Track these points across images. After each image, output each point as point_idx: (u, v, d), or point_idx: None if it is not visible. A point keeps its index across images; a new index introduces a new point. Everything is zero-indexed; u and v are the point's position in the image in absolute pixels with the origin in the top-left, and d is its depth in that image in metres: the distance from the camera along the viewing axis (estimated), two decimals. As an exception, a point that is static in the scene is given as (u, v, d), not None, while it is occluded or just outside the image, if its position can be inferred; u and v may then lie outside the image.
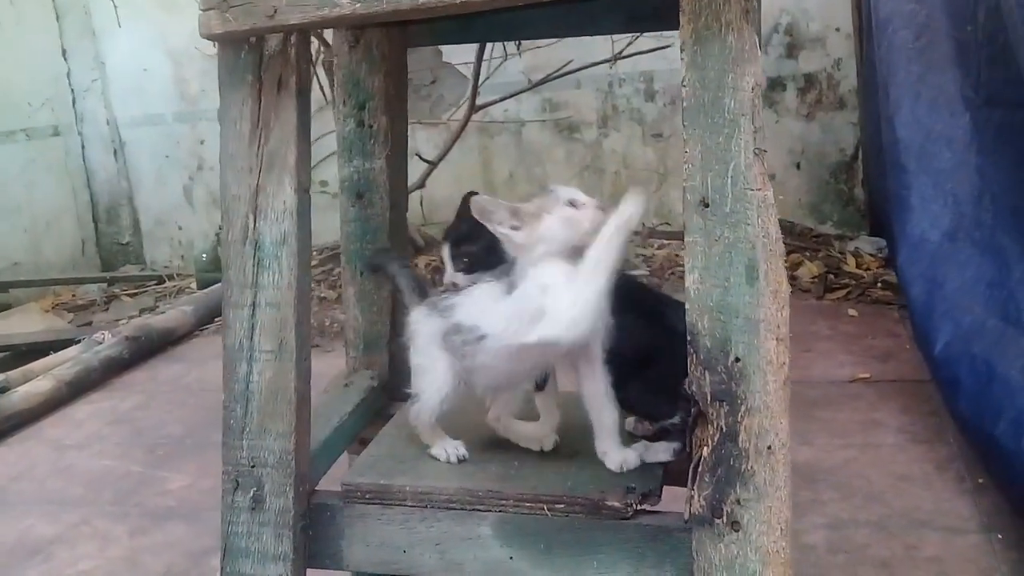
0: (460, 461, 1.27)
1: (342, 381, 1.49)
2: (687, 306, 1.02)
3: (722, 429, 1.01)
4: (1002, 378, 2.26)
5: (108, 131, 5.44)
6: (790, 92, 4.69)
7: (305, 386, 1.18)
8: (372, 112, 1.41)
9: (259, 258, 1.13)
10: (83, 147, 5.47)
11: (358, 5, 1.00)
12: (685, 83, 0.98)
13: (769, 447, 0.99)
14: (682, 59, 0.99)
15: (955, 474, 2.39)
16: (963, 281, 2.65)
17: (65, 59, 5.35)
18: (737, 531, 1.01)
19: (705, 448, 1.01)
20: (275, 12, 1.02)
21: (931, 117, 2.96)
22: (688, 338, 1.02)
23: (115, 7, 4.91)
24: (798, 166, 4.73)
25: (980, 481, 2.32)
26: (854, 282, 3.96)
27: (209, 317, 4.21)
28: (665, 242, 4.65)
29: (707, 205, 0.99)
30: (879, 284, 3.89)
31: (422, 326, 1.28)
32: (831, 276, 4.04)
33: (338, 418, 1.36)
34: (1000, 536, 2.09)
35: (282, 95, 1.09)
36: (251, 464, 1.17)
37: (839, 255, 4.26)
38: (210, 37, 1.06)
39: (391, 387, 1.51)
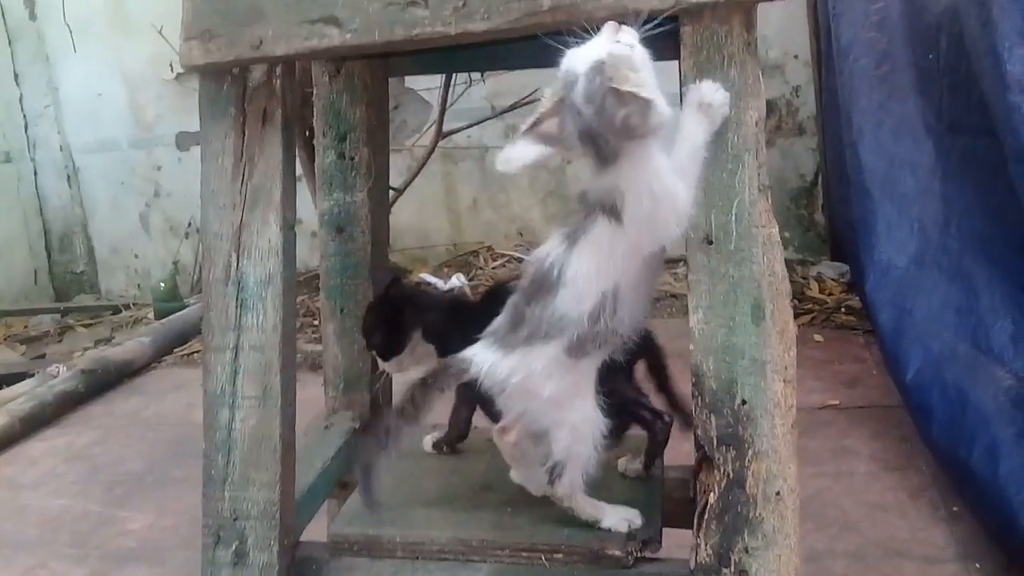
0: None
1: (322, 423, 1.43)
2: (691, 347, 0.99)
3: (729, 475, 0.97)
4: (975, 405, 2.27)
5: (61, 157, 5.31)
6: (751, 118, 4.72)
7: (290, 433, 1.13)
8: (353, 144, 1.37)
9: (242, 299, 1.08)
10: (35, 173, 5.33)
11: (348, 36, 0.96)
12: (688, 118, 0.96)
13: (778, 493, 0.96)
14: (683, 93, 0.96)
15: (929, 502, 2.38)
16: (931, 307, 2.67)
17: (17, 84, 5.22)
18: (745, 580, 0.98)
19: (711, 494, 0.98)
20: (261, 43, 0.98)
21: (894, 144, 2.99)
22: (692, 380, 0.99)
23: (70, 32, 4.81)
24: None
25: (955, 509, 2.32)
26: (818, 307, 3.99)
27: (168, 348, 4.11)
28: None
29: (711, 242, 0.96)
30: (842, 309, 3.92)
31: (532, 363, 1.09)
32: (795, 301, 4.04)
33: (321, 463, 1.30)
34: (978, 565, 2.09)
35: (267, 128, 1.05)
36: (233, 516, 1.11)
37: (802, 280, 4.29)
38: (191, 68, 1.02)
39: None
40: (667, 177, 0.98)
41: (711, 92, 0.97)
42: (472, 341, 1.14)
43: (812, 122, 4.63)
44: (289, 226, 1.08)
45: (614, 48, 0.95)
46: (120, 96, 5.18)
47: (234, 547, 1.11)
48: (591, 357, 1.09)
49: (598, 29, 0.97)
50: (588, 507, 1.17)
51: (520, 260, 4.79)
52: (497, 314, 1.15)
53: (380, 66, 1.39)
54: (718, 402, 0.98)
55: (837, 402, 3.02)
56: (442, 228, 4.98)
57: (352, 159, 1.38)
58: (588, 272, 1.05)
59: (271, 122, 1.05)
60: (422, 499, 1.25)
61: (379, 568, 1.14)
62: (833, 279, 4.24)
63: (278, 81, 1.05)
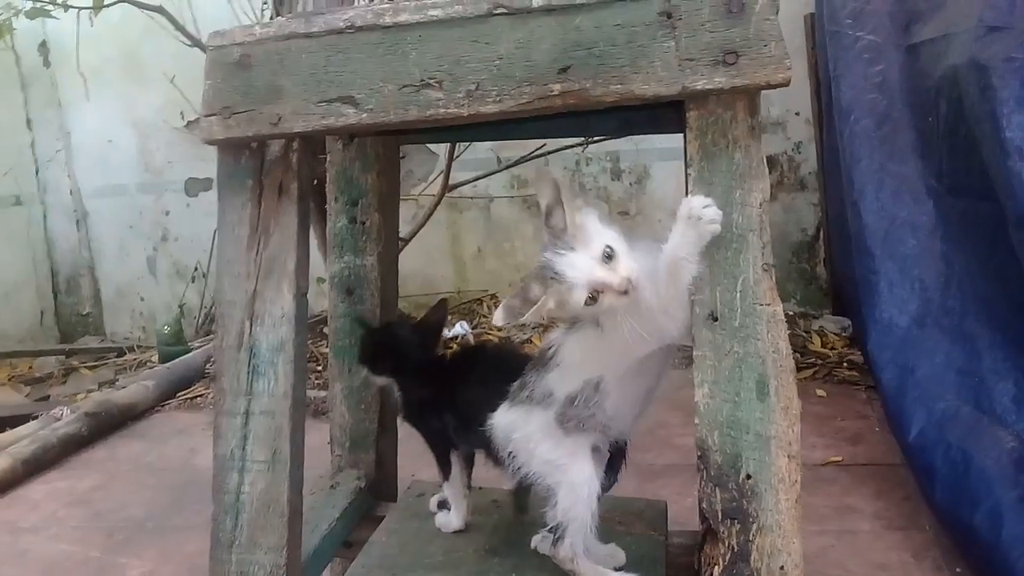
0: None
1: (328, 482, 1.44)
2: (696, 421, 1.00)
3: (733, 548, 0.99)
4: (978, 467, 2.26)
5: (71, 201, 5.36)
6: (753, 172, 4.76)
7: (298, 497, 1.14)
8: (365, 209, 1.40)
9: (254, 365, 1.10)
10: (45, 217, 5.38)
11: (364, 116, 0.99)
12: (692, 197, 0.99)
13: (782, 567, 0.97)
14: (688, 174, 0.99)
15: (933, 563, 2.37)
16: (933, 367, 2.67)
17: (30, 128, 5.30)
18: (749, 656, 0.99)
19: (716, 567, 0.99)
20: (279, 120, 1.02)
21: (895, 204, 3.02)
22: (698, 454, 1.00)
23: (84, 80, 4.90)
24: (762, 245, 4.80)
25: (958, 571, 2.31)
26: (820, 361, 3.99)
27: (171, 392, 4.11)
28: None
29: (716, 319, 0.98)
30: (845, 364, 3.92)
31: (529, 423, 1.20)
32: (797, 355, 4.05)
33: (327, 524, 1.31)
34: (981, 629, 2.07)
35: (283, 200, 1.08)
36: (239, 580, 1.12)
37: (804, 334, 4.30)
38: (211, 143, 1.05)
39: (378, 487, 1.47)
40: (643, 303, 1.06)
41: (700, 207, 1.01)
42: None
43: (813, 177, 4.67)
44: (302, 294, 1.11)
45: (604, 277, 1.05)
46: (131, 142, 5.25)
47: (241, 612, 1.12)
48: (583, 433, 1.17)
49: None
50: (591, 572, 1.19)
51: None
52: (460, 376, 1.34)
53: (391, 136, 1.43)
54: (723, 476, 0.99)
55: (840, 459, 3.01)
56: (447, 276, 5.01)
57: (363, 223, 1.42)
58: (574, 360, 1.17)
59: (287, 194, 1.08)
60: (429, 563, 1.26)
61: (383, 633, 1.15)
62: (835, 333, 4.25)
63: (295, 155, 1.08)
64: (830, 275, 4.68)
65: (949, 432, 2.45)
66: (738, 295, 0.98)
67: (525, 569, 1.22)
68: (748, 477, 0.98)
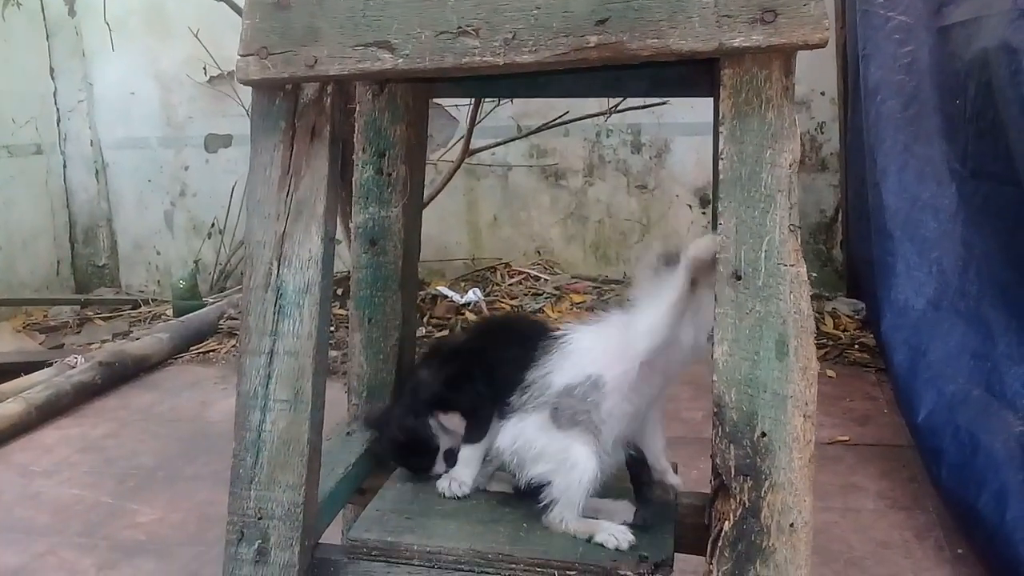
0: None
1: (344, 429, 1.46)
2: (714, 378, 1.01)
3: (744, 504, 1.00)
4: (986, 450, 2.28)
5: (91, 152, 5.39)
6: (773, 151, 4.75)
7: (318, 438, 1.16)
8: (392, 161, 1.41)
9: (280, 305, 1.11)
10: (65, 167, 5.41)
11: (400, 61, 1.00)
12: (723, 156, 0.99)
13: (792, 524, 0.99)
14: (721, 132, 0.99)
15: (935, 543, 2.39)
16: (947, 350, 2.68)
17: (52, 78, 5.31)
18: (755, 609, 1.00)
19: (726, 522, 1.00)
20: (315, 62, 1.02)
21: (918, 186, 3.01)
22: (714, 410, 1.01)
23: (109, 30, 4.90)
24: (778, 224, 4.78)
25: (959, 551, 2.32)
26: (831, 342, 3.99)
27: (185, 346, 4.15)
28: (646, 292, 4.66)
29: (739, 278, 0.99)
30: (856, 346, 3.93)
31: (526, 428, 1.23)
32: (809, 335, 4.06)
33: (343, 468, 1.33)
34: (979, 608, 2.09)
35: (315, 143, 1.08)
36: (258, 516, 1.14)
37: (817, 315, 4.30)
38: (247, 83, 1.06)
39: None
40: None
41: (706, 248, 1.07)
42: None
43: (835, 159, 4.65)
44: (330, 238, 1.12)
45: None
46: (153, 96, 5.26)
47: (256, 545, 1.14)
48: (576, 427, 1.20)
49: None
50: (581, 526, 1.22)
51: (537, 279, 4.82)
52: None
53: (422, 87, 1.43)
54: (738, 433, 1.00)
55: (847, 438, 3.03)
56: (461, 243, 5.02)
57: (390, 175, 1.42)
58: (583, 349, 1.21)
59: (319, 137, 1.09)
60: (441, 510, 1.28)
61: (395, 574, 1.17)
62: (848, 315, 4.25)
63: (328, 99, 1.08)
64: (846, 257, 4.67)
65: (958, 414, 2.47)
66: (763, 255, 0.98)
67: (535, 520, 1.24)
68: (763, 435, 0.99)
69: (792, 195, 0.98)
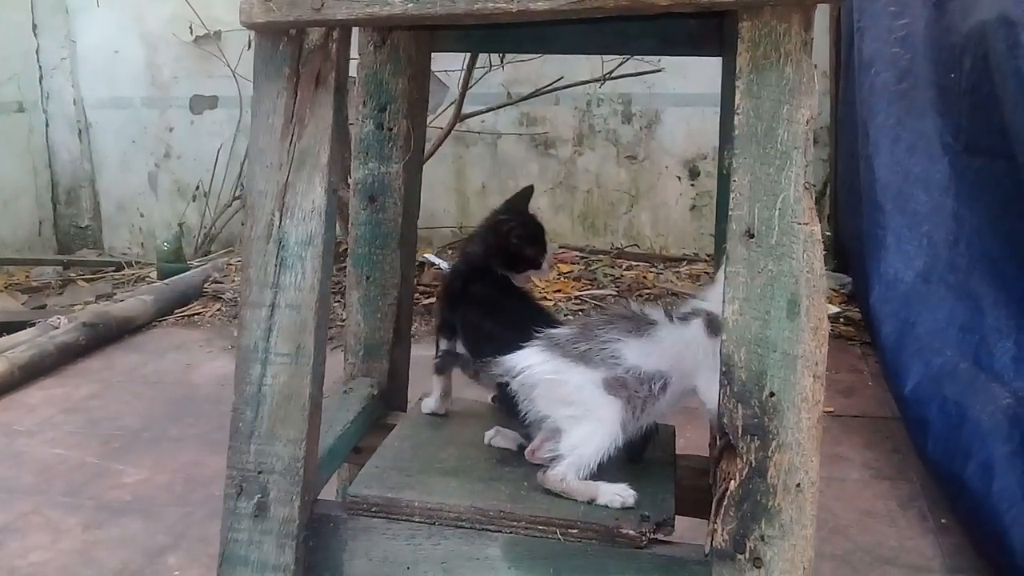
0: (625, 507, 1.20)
1: (341, 387, 1.45)
2: (724, 337, 1.00)
3: (751, 464, 0.99)
4: (973, 421, 2.29)
5: (74, 111, 5.29)
6: (764, 124, 4.74)
7: (319, 392, 1.14)
8: (393, 115, 1.38)
9: (282, 257, 1.09)
10: (47, 125, 5.31)
11: (410, 6, 0.97)
12: (739, 111, 0.97)
13: (798, 485, 0.98)
14: (737, 86, 0.98)
15: (918, 512, 2.41)
16: (935, 323, 2.69)
17: (35, 35, 5.20)
18: (759, 568, 1.00)
19: (732, 481, 1.00)
20: (322, 6, 0.99)
21: (910, 160, 3.01)
22: (723, 369, 1.00)
23: (94, -16, 4.81)
24: (767, 198, 4.78)
25: (943, 521, 2.35)
26: (818, 316, 4.01)
27: (169, 309, 4.11)
28: (633, 263, 4.68)
29: (752, 236, 0.98)
30: (841, 319, 3.94)
31: (568, 375, 1.21)
32: (796, 309, 4.07)
33: (341, 426, 1.32)
34: (962, 577, 2.12)
35: (319, 91, 1.05)
36: (257, 470, 1.12)
37: (804, 288, 4.30)
38: (251, 26, 1.02)
39: (389, 396, 1.47)
40: None
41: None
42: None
43: (825, 132, 4.64)
44: (333, 189, 1.09)
45: None
46: (137, 55, 5.16)
47: (256, 500, 1.13)
48: (622, 402, 1.19)
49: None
50: (582, 487, 1.20)
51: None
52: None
53: (425, 40, 1.41)
54: (746, 392, 0.99)
55: (832, 409, 3.04)
56: (449, 210, 4.98)
57: (390, 130, 1.40)
58: (666, 348, 1.21)
59: (324, 85, 1.06)
60: (441, 468, 1.27)
61: (395, 530, 1.16)
62: (834, 289, 4.26)
63: (334, 45, 1.05)
64: (833, 232, 4.68)
65: (946, 386, 2.48)
66: (777, 213, 0.97)
67: (536, 478, 1.23)
68: (772, 395, 0.99)
69: (808, 152, 0.96)
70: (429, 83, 1.46)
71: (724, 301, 1.00)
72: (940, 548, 2.23)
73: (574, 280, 4.41)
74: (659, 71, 4.20)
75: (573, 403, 1.19)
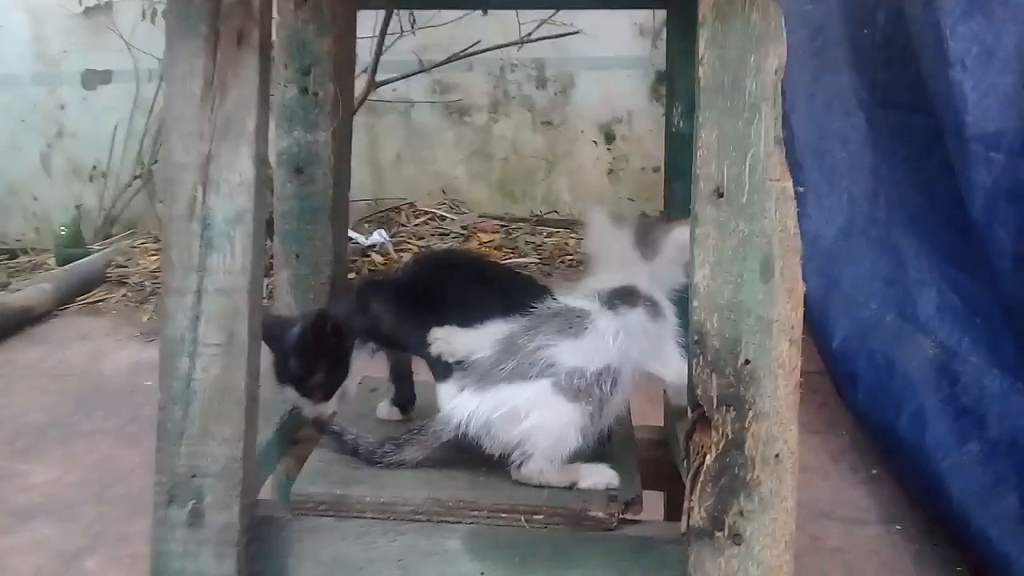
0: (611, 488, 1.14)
1: (273, 375, 1.34)
2: (694, 304, 0.95)
3: (727, 436, 0.94)
4: (902, 373, 2.33)
5: (-45, 90, 4.92)
6: (677, 86, 4.75)
7: (255, 385, 1.04)
8: (318, 78, 1.27)
9: (208, 237, 0.98)
10: (-73, 106, 4.94)
11: (342, -47, 0.87)
12: (703, 62, 0.91)
13: (777, 455, 0.94)
14: (700, 35, 0.91)
15: (849, 465, 2.45)
16: (859, 277, 2.73)
17: (-89, 12, 4.81)
18: (738, 544, 0.95)
19: (708, 456, 0.95)
20: (242, -46, 0.89)
21: (826, 116, 3.03)
22: (695, 338, 0.95)
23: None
24: (682, 160, 4.80)
25: (874, 472, 2.39)
26: (739, 276, 4.04)
27: (71, 296, 3.90)
28: (553, 230, 4.65)
29: (721, 195, 0.92)
30: (763, 278, 3.98)
31: (514, 398, 1.12)
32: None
33: (278, 417, 1.22)
34: (899, 527, 2.16)
35: (243, 50, 0.94)
36: (190, 474, 1.02)
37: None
38: (160, -22, 0.91)
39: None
40: None
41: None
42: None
43: (739, 93, 4.66)
44: (262, 160, 0.99)
45: None
46: (23, 28, 4.80)
47: (190, 506, 1.02)
48: (584, 403, 1.12)
49: None
50: (561, 475, 1.14)
51: (443, 218, 4.72)
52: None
53: (351, -6, 1.30)
54: (720, 361, 0.94)
55: (761, 368, 3.07)
56: (363, 182, 4.83)
57: (316, 95, 1.29)
58: (607, 340, 1.12)
59: (247, 44, 0.94)
60: (392, 457, 1.18)
61: (346, 529, 1.07)
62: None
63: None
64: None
65: (873, 339, 2.52)
66: (747, 169, 0.91)
67: (495, 463, 1.16)
68: (747, 362, 0.94)
69: (777, 104, 0.91)
70: (355, 43, 1.36)
71: (693, 265, 0.94)
72: (874, 500, 2.27)
73: (495, 249, 4.36)
74: (577, 32, 4.15)
75: (529, 414, 1.11)
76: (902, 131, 2.62)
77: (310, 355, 1.22)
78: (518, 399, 1.10)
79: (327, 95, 1.28)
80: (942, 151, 2.22)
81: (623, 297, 1.15)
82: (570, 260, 4.30)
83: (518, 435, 1.11)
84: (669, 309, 1.16)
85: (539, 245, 4.47)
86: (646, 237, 1.20)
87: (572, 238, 4.53)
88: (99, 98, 4.86)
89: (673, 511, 1.41)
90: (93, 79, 4.83)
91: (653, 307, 1.14)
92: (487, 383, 1.12)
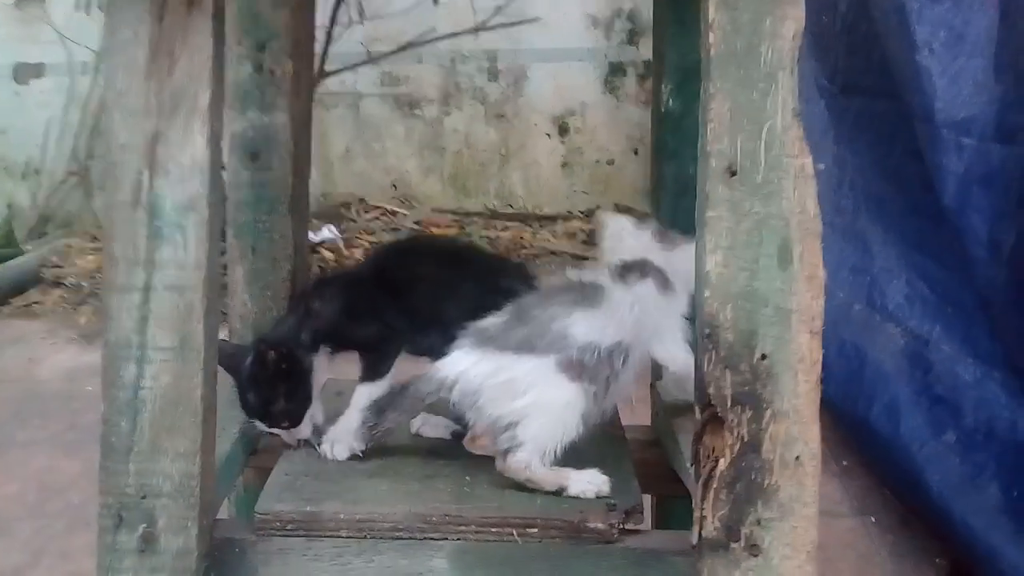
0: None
1: (229, 379, 1.22)
2: (705, 293, 0.86)
3: (743, 438, 0.86)
4: (873, 364, 2.30)
5: None
6: (630, 78, 4.71)
7: (212, 393, 0.92)
8: (275, 54, 1.16)
9: (156, 227, 0.86)
10: None
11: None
12: (714, 26, 0.82)
13: (797, 458, 0.86)
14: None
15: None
16: (826, 266, 2.68)
17: None
18: (756, 556, 0.87)
19: (722, 460, 0.86)
20: (191, -98, 0.77)
21: (788, 105, 2.99)
22: (706, 331, 0.86)
23: None
24: (636, 152, 4.76)
25: (845, 463, 2.36)
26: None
27: (3, 298, 3.74)
28: (508, 224, 4.59)
29: (735, 173, 0.83)
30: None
31: (513, 368, 1.04)
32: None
33: (236, 426, 1.10)
34: (873, 519, 2.13)
35: (193, 15, 0.83)
36: (140, 494, 0.89)
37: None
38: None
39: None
40: None
41: None
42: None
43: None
44: (217, 140, 0.87)
45: None
46: (-57, 11, 4.58)
47: (140, 531, 0.90)
48: (584, 384, 1.05)
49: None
50: (549, 476, 1.05)
51: (394, 213, 4.61)
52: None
53: (308, -36, 1.19)
54: (735, 356, 0.85)
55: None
56: (312, 178, 4.68)
57: (272, 72, 1.17)
58: (622, 314, 1.07)
59: (199, 8, 0.83)
60: (366, 468, 1.07)
61: (318, 549, 0.96)
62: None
63: (208, -45, 0.84)
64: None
65: (842, 329, 2.48)
66: (762, 145, 0.83)
67: (478, 471, 1.06)
68: (763, 357, 0.85)
69: (795, 73, 0.83)
70: (314, 18, 1.25)
71: (704, 251, 0.85)
72: (847, 492, 2.24)
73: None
74: (535, 20, 4.07)
75: (527, 392, 1.03)
76: (865, 118, 2.59)
77: (264, 385, 1.13)
78: (518, 370, 1.03)
79: (285, 73, 1.17)
80: (908, 137, 2.19)
81: (634, 269, 1.10)
82: (526, 254, 4.23)
83: (511, 414, 1.03)
84: (681, 287, 1.10)
85: (494, 239, 4.38)
86: (667, 234, 1.16)
87: (527, 232, 4.47)
88: (31, 92, 4.65)
89: (663, 516, 1.34)
90: (25, 72, 4.62)
91: (663, 281, 1.10)
92: (487, 345, 1.05)
